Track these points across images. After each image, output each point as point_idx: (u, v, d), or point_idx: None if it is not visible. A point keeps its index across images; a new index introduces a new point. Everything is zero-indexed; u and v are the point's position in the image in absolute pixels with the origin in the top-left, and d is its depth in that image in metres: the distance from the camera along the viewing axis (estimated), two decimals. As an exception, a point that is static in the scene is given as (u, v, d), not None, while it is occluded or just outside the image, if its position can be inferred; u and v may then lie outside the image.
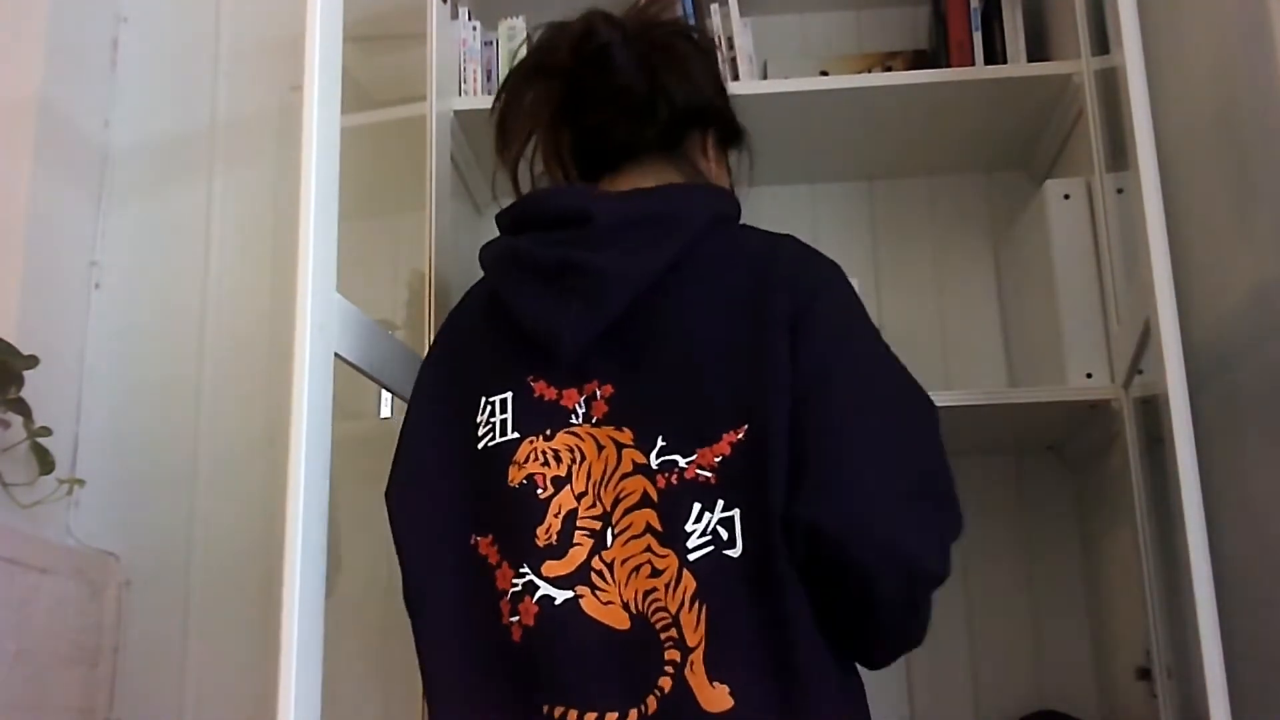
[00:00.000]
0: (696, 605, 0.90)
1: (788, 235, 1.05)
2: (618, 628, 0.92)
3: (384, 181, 1.77)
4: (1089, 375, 1.51)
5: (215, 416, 1.83)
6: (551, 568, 0.95)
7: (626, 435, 0.96)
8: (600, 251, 0.99)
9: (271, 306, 1.85)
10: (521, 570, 0.95)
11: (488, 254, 1.10)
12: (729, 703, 0.88)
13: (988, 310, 1.84)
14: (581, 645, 0.92)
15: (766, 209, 1.91)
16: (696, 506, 0.92)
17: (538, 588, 0.94)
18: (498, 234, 1.12)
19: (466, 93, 1.77)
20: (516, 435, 0.99)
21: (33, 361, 1.58)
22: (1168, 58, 1.24)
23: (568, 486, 0.97)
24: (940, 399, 1.55)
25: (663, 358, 0.98)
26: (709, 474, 0.93)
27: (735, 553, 0.91)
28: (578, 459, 0.97)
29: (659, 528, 0.93)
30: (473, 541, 0.99)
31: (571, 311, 0.98)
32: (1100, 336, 1.52)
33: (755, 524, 0.91)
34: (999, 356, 1.82)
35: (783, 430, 0.92)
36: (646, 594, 0.92)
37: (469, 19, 1.80)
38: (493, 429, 1.01)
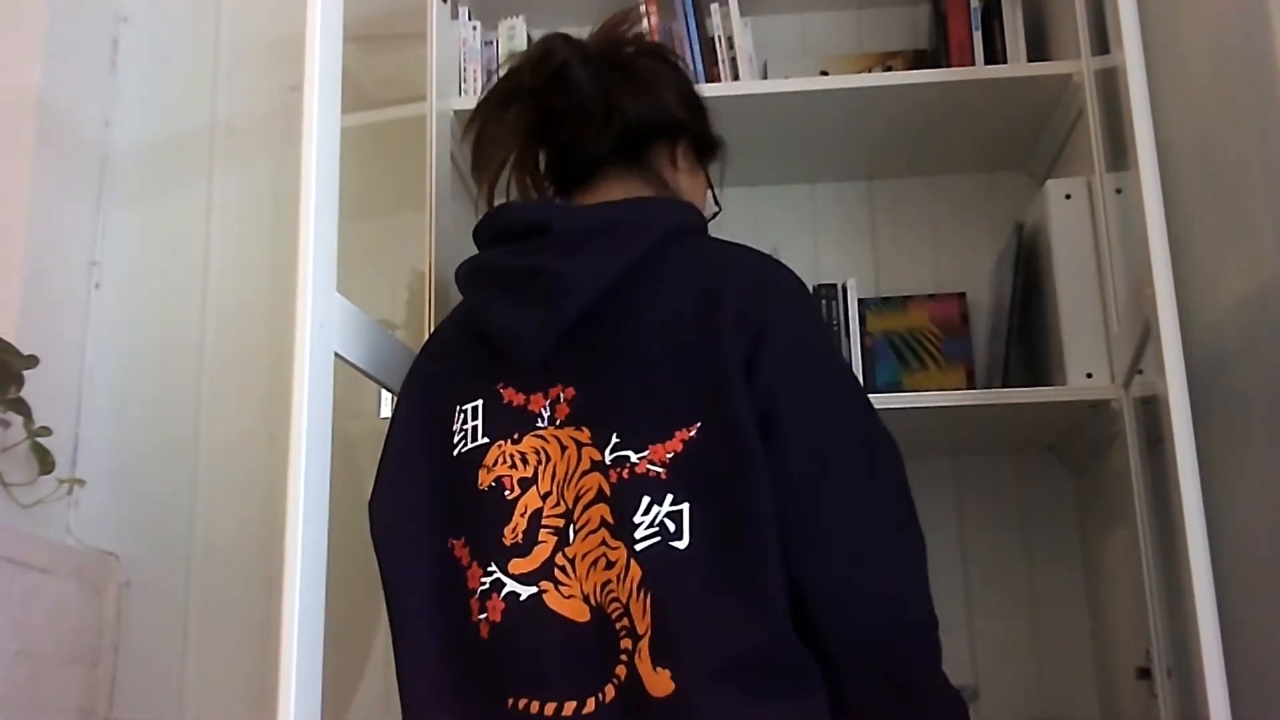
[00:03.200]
0: (643, 594, 0.93)
1: (749, 250, 1.08)
2: (578, 620, 0.95)
3: (384, 181, 1.77)
4: (1089, 375, 1.51)
5: (215, 416, 1.83)
6: (517, 565, 0.98)
7: (585, 434, 1.00)
8: (561, 258, 1.04)
9: (271, 306, 1.85)
10: (489, 569, 0.99)
11: (461, 270, 1.14)
12: (670, 687, 0.90)
13: (988, 310, 1.84)
14: (545, 639, 0.96)
15: (766, 209, 1.91)
16: (645, 499, 0.95)
17: (504, 585, 0.98)
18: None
19: (466, 93, 1.77)
20: (486, 440, 1.03)
21: (33, 361, 1.58)
22: (1168, 58, 1.24)
23: (534, 487, 1.00)
24: (940, 398, 1.56)
25: (619, 360, 1.01)
26: (660, 469, 0.96)
27: (681, 544, 0.93)
28: (543, 460, 1.01)
29: (611, 521, 0.96)
30: (449, 545, 1.03)
31: (532, 317, 1.03)
32: (1100, 336, 1.52)
33: (708, 518, 0.94)
34: (999, 355, 1.82)
35: (739, 429, 0.94)
36: (603, 585, 0.95)
37: (469, 19, 1.80)
38: (465, 435, 1.05)
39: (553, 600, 0.96)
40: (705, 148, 1.25)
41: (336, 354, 1.10)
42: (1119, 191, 1.48)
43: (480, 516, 1.01)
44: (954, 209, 1.89)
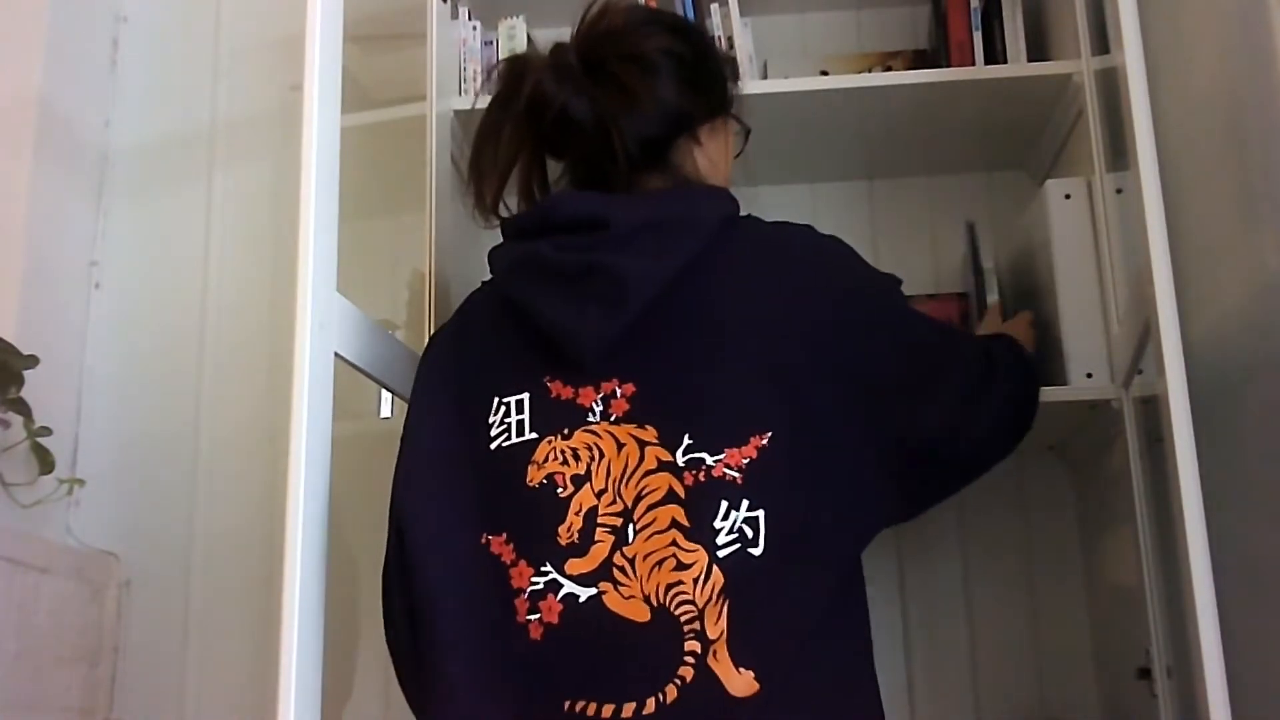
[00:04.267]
0: (722, 600, 0.92)
1: (796, 229, 1.09)
2: (638, 620, 0.94)
3: (384, 181, 1.77)
4: (1089, 375, 1.51)
5: (215, 417, 1.83)
6: (575, 565, 0.96)
7: (650, 433, 0.98)
8: (621, 254, 1.01)
9: (271, 306, 1.85)
10: (543, 569, 0.97)
11: (501, 259, 1.12)
12: (755, 686, 0.91)
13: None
14: (604, 640, 0.94)
15: (766, 209, 1.90)
16: (724, 504, 0.94)
17: (561, 586, 0.96)
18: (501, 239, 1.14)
19: (466, 93, 1.77)
20: (534, 435, 1.01)
21: (33, 361, 1.58)
22: (1168, 58, 1.23)
23: (587, 484, 0.98)
24: (940, 399, 1.56)
25: (687, 356, 1.00)
26: (736, 474, 0.95)
27: (758, 551, 0.93)
28: (596, 456, 0.99)
29: (685, 523, 0.95)
30: (483, 540, 1.00)
31: (592, 315, 1.00)
32: (1100, 336, 1.52)
33: (778, 526, 0.94)
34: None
35: (812, 440, 0.96)
36: (670, 586, 0.93)
37: (469, 19, 1.80)
38: (508, 429, 1.02)
39: (612, 601, 0.95)
40: (723, 107, 1.19)
41: (336, 354, 1.10)
42: (1119, 191, 1.48)
43: (528, 514, 0.99)
44: (954, 209, 1.89)
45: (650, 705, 0.91)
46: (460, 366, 1.10)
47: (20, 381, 1.56)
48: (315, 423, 1.03)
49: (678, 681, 0.91)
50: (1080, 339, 1.53)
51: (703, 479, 0.95)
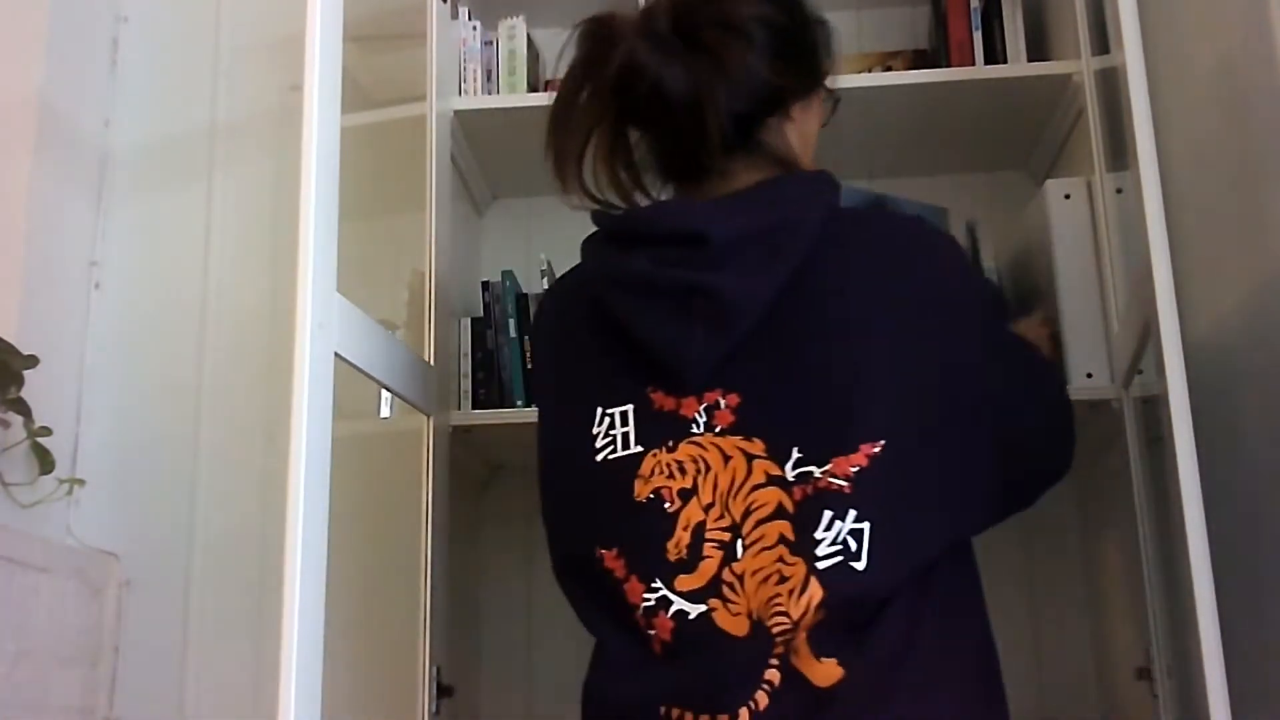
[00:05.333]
0: (819, 614, 0.91)
1: (905, 220, 1.05)
2: (739, 635, 0.93)
3: (384, 181, 1.77)
4: (1089, 375, 1.51)
5: (215, 416, 1.83)
6: (684, 581, 0.94)
7: (757, 446, 0.95)
8: (722, 272, 0.97)
9: (271, 306, 1.85)
10: (654, 585, 0.95)
11: (595, 260, 1.07)
12: (839, 672, 0.89)
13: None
14: (709, 655, 0.93)
15: (766, 209, 1.91)
16: (828, 515, 0.92)
17: (671, 602, 0.94)
18: (593, 233, 1.08)
19: (466, 93, 1.77)
20: (640, 449, 0.99)
21: (33, 361, 1.58)
22: (1168, 57, 1.23)
23: (694, 498, 0.96)
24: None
25: (794, 365, 0.96)
26: (843, 483, 0.92)
27: (860, 565, 0.91)
28: (703, 470, 0.96)
29: (791, 538, 0.92)
30: (598, 554, 0.99)
31: (698, 336, 0.97)
32: (1100, 336, 1.52)
33: (886, 539, 0.91)
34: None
35: (927, 452, 0.94)
36: (770, 599, 0.92)
37: (469, 19, 1.80)
38: (613, 441, 1.00)
39: (721, 619, 0.93)
40: (818, 81, 1.11)
41: (336, 354, 1.10)
42: (1119, 191, 1.48)
43: (638, 529, 0.97)
44: (954, 209, 1.89)
45: (744, 715, 0.89)
46: (566, 372, 1.08)
47: (20, 381, 1.56)
48: (315, 423, 1.03)
49: (766, 687, 0.90)
50: (1080, 339, 1.53)
51: (810, 492, 0.92)
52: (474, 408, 1.68)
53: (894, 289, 0.98)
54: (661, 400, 0.99)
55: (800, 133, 1.09)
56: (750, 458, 0.95)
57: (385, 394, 1.52)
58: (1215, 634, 1.04)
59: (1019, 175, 1.89)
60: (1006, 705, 1.01)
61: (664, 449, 0.98)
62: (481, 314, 1.74)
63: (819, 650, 0.90)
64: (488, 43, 1.81)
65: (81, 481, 1.74)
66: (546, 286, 1.72)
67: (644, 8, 1.04)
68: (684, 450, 0.97)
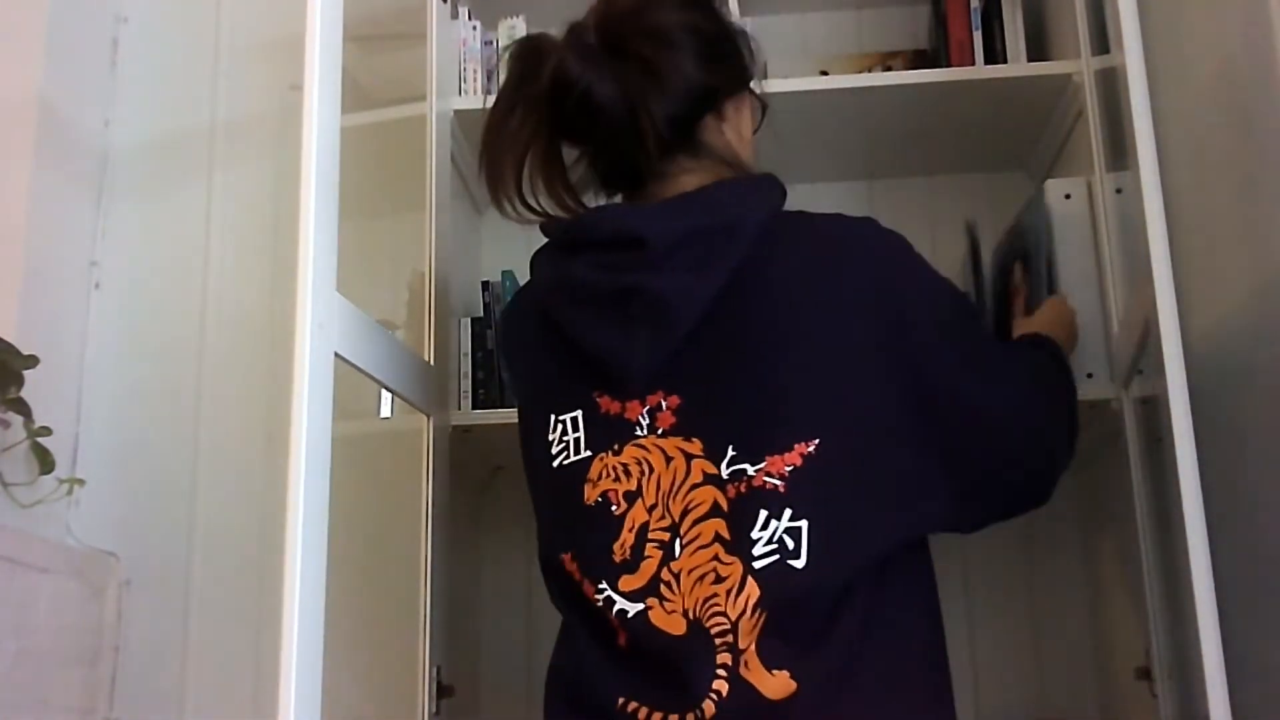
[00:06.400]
0: (757, 614, 0.91)
1: (853, 221, 1.04)
2: (675, 634, 0.94)
3: (384, 181, 1.77)
4: (1089, 375, 1.51)
5: (215, 416, 1.83)
6: (627, 582, 0.96)
7: (696, 445, 0.97)
8: (660, 273, 0.98)
9: (271, 306, 1.85)
10: (600, 587, 0.97)
11: (541, 270, 1.09)
12: (792, 686, 0.90)
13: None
14: (651, 655, 0.94)
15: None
16: (763, 514, 0.93)
17: (615, 602, 0.96)
18: (530, 244, 1.12)
19: (466, 93, 1.77)
20: (589, 453, 1.00)
21: (33, 361, 1.58)
22: (1168, 58, 1.23)
23: (639, 500, 0.98)
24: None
25: (732, 365, 0.97)
26: (778, 482, 0.93)
27: (799, 563, 0.91)
28: (646, 471, 0.98)
29: (727, 536, 0.93)
30: (560, 558, 1.01)
31: (639, 339, 0.98)
32: (1100, 336, 1.52)
33: (825, 537, 0.92)
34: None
35: (860, 448, 0.94)
36: (706, 599, 0.93)
37: (469, 19, 1.80)
38: (566, 447, 1.02)
39: (657, 617, 0.95)
40: (744, 81, 1.13)
41: (336, 354, 1.10)
42: (1119, 191, 1.48)
43: (589, 532, 0.99)
44: (954, 209, 1.89)
45: None
46: (522, 374, 1.11)
47: (20, 381, 1.56)
48: (315, 423, 1.03)
49: (714, 696, 0.91)
50: (1080, 339, 1.53)
51: (744, 490, 0.93)
52: (474, 408, 1.69)
53: (834, 288, 0.98)
54: (608, 404, 1.01)
55: (737, 131, 1.11)
56: (690, 458, 0.97)
57: (385, 394, 1.51)
58: (1215, 634, 1.04)
59: (1019, 175, 1.89)
60: (952, 695, 1.01)
61: (610, 452, 0.99)
62: (481, 314, 1.74)
63: (770, 662, 0.91)
64: (488, 43, 1.81)
65: (81, 481, 1.74)
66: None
67: (571, 24, 1.07)
68: (629, 453, 0.99)
